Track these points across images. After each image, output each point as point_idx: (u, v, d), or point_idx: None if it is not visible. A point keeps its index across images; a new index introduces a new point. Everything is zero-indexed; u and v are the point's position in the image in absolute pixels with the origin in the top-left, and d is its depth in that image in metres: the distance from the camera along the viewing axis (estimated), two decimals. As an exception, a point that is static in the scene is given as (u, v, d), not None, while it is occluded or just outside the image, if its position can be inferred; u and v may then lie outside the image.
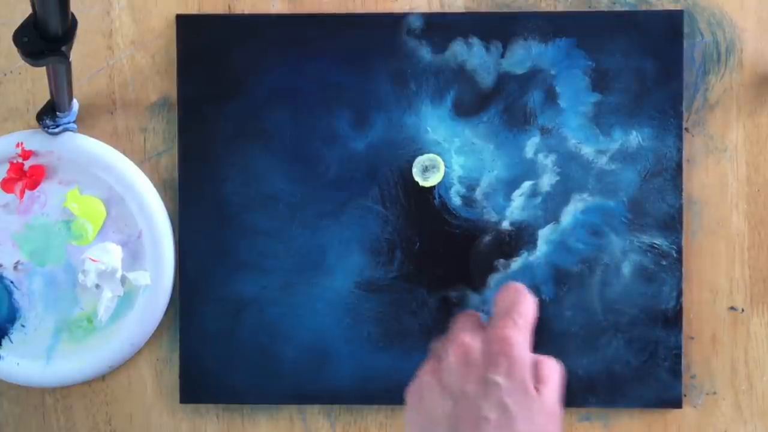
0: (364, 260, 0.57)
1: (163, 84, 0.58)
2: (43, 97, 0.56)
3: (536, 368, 0.41)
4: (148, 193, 0.57)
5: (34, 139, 0.57)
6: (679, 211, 0.57)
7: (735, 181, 0.57)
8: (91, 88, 0.58)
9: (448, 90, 0.57)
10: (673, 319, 0.57)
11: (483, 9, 0.57)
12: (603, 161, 0.57)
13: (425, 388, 0.41)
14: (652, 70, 0.56)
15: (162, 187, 0.58)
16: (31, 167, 0.57)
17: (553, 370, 0.41)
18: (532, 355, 0.41)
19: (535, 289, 0.57)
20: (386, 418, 0.58)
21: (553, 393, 0.41)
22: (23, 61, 0.44)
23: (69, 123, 0.57)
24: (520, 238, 0.57)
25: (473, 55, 0.57)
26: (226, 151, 0.57)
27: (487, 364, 0.40)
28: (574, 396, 0.57)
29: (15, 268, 0.58)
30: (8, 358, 0.58)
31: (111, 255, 0.57)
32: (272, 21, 0.57)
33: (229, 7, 0.58)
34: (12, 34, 0.43)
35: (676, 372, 0.57)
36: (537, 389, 0.40)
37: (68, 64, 0.48)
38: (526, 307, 0.42)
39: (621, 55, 0.57)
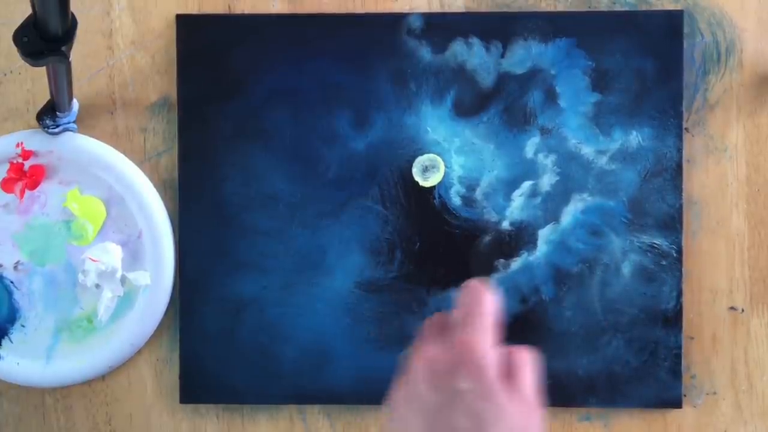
0: (364, 260, 0.57)
1: (163, 84, 0.58)
2: (43, 97, 0.56)
3: (506, 363, 0.41)
4: (148, 193, 0.57)
5: (34, 139, 0.57)
6: (679, 211, 0.57)
7: (735, 181, 0.57)
8: (91, 88, 0.58)
9: (448, 90, 0.57)
10: (673, 319, 0.57)
11: (483, 9, 0.57)
12: (603, 161, 0.57)
13: (399, 404, 0.41)
14: (652, 70, 0.56)
15: (162, 187, 0.58)
16: (31, 167, 0.57)
17: (523, 360, 0.41)
18: (500, 350, 0.41)
19: (535, 289, 0.57)
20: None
21: (527, 384, 0.40)
22: (23, 61, 0.44)
23: (69, 123, 0.57)
24: (520, 238, 0.57)
25: (473, 55, 0.57)
26: (226, 151, 0.57)
27: (452, 373, 0.40)
28: (574, 396, 0.57)
29: (15, 268, 0.58)
30: (8, 358, 0.58)
31: (111, 255, 0.57)
32: (272, 21, 0.57)
33: (229, 7, 0.58)
34: (12, 34, 0.43)
35: (676, 372, 0.57)
36: (509, 385, 0.40)
37: (68, 64, 0.48)
38: (485, 305, 0.42)
39: (621, 55, 0.57)
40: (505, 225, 0.57)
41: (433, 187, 0.57)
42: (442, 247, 0.57)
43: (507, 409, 0.39)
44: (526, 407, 0.39)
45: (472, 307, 0.41)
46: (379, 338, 0.57)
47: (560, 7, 0.57)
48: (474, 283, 0.43)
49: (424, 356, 0.41)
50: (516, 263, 0.57)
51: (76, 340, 0.58)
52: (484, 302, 0.42)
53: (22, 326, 0.58)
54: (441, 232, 0.57)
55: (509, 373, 0.40)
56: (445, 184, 0.57)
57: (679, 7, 0.57)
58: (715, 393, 0.58)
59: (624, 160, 0.57)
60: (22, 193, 0.57)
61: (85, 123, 0.58)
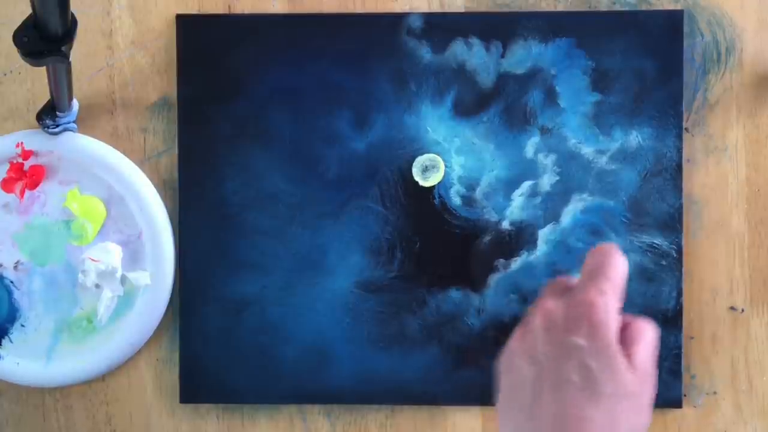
0: (364, 260, 0.57)
1: (163, 84, 0.58)
2: (43, 97, 0.56)
3: (625, 331, 0.40)
4: (148, 193, 0.57)
5: (34, 139, 0.57)
6: (679, 211, 0.57)
7: (735, 181, 0.57)
8: (91, 88, 0.58)
9: (448, 90, 0.57)
10: (673, 319, 0.57)
11: (483, 9, 0.57)
12: (603, 161, 0.57)
13: (512, 355, 0.41)
14: (652, 70, 0.56)
15: (162, 187, 0.58)
16: (31, 167, 0.57)
17: (643, 331, 0.41)
18: (620, 317, 0.41)
19: (535, 290, 0.57)
20: (386, 418, 0.58)
21: (644, 354, 0.40)
22: (23, 61, 0.44)
23: (69, 123, 0.57)
24: (520, 238, 0.57)
25: (473, 55, 0.57)
26: (226, 151, 0.57)
27: (568, 327, 0.39)
28: (574, 396, 0.57)
29: (15, 268, 0.58)
30: (8, 358, 0.58)
31: (111, 255, 0.57)
32: (272, 21, 0.57)
33: (229, 7, 0.58)
34: (12, 34, 0.43)
35: (676, 372, 0.57)
36: (626, 352, 0.39)
37: (68, 64, 0.48)
38: (614, 269, 0.41)
39: (621, 55, 0.57)
40: (505, 225, 0.57)
41: (433, 187, 0.57)
42: (442, 247, 0.57)
43: (620, 372, 0.38)
44: (640, 376, 0.39)
45: (600, 267, 0.41)
46: (379, 338, 0.57)
47: (560, 7, 0.57)
48: (604, 245, 0.42)
49: (544, 309, 0.41)
50: (516, 263, 0.57)
51: (76, 340, 0.58)
52: (613, 264, 0.41)
53: (22, 326, 0.58)
54: (441, 232, 0.57)
55: (627, 341, 0.40)
56: (445, 184, 0.57)
57: (679, 7, 0.57)
58: (715, 393, 0.58)
59: (624, 160, 0.57)
60: (22, 193, 0.57)
61: (85, 123, 0.58)
